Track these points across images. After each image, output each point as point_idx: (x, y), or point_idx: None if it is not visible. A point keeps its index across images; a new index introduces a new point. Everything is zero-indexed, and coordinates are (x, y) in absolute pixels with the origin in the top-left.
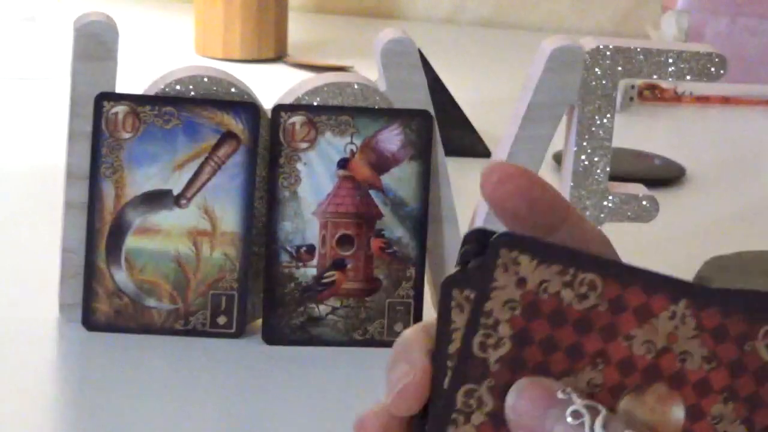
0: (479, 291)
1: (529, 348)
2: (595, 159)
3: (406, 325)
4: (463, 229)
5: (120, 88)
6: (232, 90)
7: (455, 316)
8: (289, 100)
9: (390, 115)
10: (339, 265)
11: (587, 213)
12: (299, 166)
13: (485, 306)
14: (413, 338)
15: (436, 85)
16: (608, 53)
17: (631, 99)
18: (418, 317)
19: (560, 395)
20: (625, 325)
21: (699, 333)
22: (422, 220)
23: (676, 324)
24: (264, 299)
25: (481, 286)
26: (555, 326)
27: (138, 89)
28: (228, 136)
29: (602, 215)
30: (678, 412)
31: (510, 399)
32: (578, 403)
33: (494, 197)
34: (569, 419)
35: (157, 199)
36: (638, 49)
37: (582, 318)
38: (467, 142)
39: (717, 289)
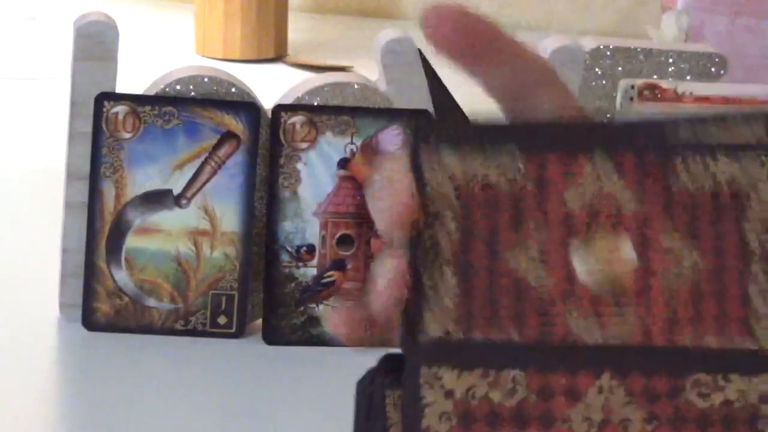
0: (411, 412)
1: None
2: None
3: None
4: None
5: (120, 88)
6: (232, 90)
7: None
8: (289, 100)
9: (390, 115)
10: (339, 265)
11: None
12: (299, 166)
13: (422, 424)
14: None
15: (436, 85)
16: (608, 53)
17: (631, 99)
18: None
19: None
20: (558, 409)
21: (631, 399)
22: None
23: (606, 396)
24: (264, 299)
25: (412, 406)
26: (493, 428)
27: (138, 89)
28: (228, 136)
29: None
30: None
31: None
32: None
33: (434, 39)
34: None
35: (157, 199)
36: (638, 49)
37: (516, 413)
38: None
39: (635, 349)
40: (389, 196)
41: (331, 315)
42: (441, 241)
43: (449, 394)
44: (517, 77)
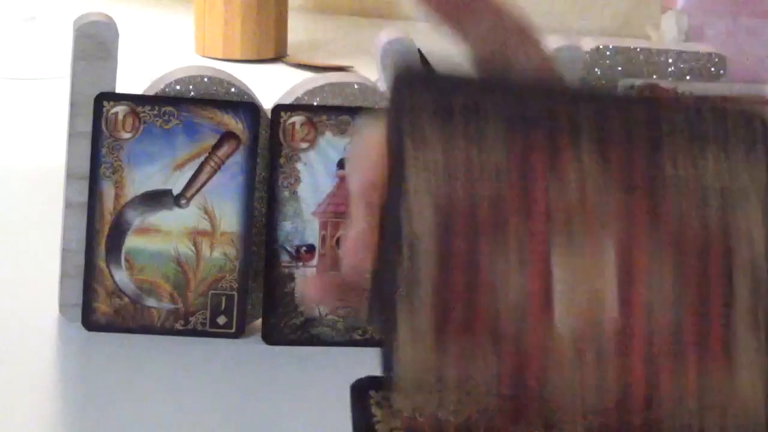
0: (362, 427)
1: None
2: None
3: None
4: None
5: (120, 88)
6: (232, 90)
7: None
8: (289, 100)
9: None
10: (339, 265)
11: None
12: (299, 166)
13: None
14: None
15: None
16: (608, 53)
17: None
18: None
19: None
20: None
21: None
22: None
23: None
24: (264, 299)
25: (365, 423)
26: None
27: (138, 89)
28: (228, 136)
29: None
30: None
31: None
32: None
33: None
34: None
35: (157, 199)
36: (638, 50)
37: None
38: None
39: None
40: (365, 160)
41: (304, 281)
42: (418, 247)
43: (397, 413)
44: (496, 34)
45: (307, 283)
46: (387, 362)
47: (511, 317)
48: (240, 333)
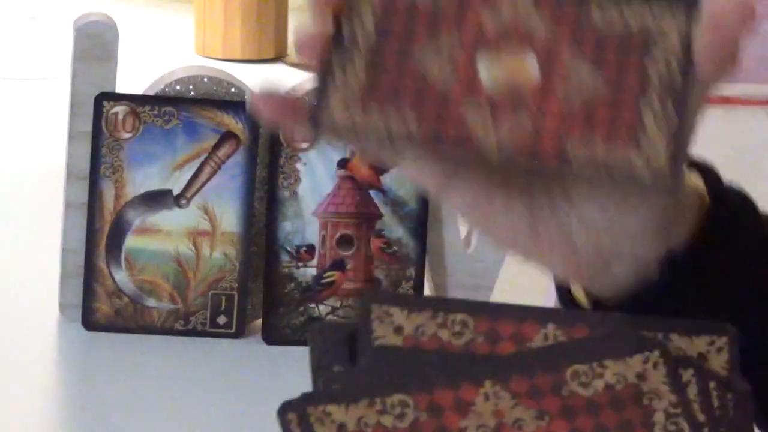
0: (361, 345)
1: None
2: None
3: None
4: (463, 229)
5: (120, 88)
6: (232, 90)
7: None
8: None
9: None
10: (339, 265)
11: None
12: (299, 166)
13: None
14: None
15: None
16: None
17: None
18: None
19: None
20: (451, 423)
21: (517, 400)
22: (422, 220)
23: (494, 402)
24: (264, 299)
25: (363, 340)
26: None
27: (138, 89)
28: (228, 136)
29: None
30: None
31: None
32: None
33: None
34: None
35: (157, 199)
36: None
37: (464, 353)
38: None
39: (512, 356)
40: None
41: (254, 95)
42: (357, 33)
43: (398, 329)
44: None
45: (258, 98)
46: (314, 119)
47: (437, 87)
48: (240, 333)
